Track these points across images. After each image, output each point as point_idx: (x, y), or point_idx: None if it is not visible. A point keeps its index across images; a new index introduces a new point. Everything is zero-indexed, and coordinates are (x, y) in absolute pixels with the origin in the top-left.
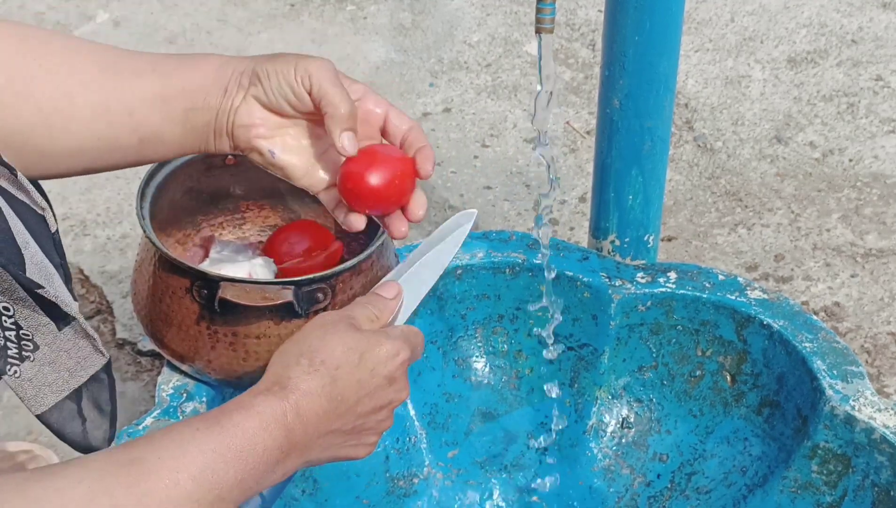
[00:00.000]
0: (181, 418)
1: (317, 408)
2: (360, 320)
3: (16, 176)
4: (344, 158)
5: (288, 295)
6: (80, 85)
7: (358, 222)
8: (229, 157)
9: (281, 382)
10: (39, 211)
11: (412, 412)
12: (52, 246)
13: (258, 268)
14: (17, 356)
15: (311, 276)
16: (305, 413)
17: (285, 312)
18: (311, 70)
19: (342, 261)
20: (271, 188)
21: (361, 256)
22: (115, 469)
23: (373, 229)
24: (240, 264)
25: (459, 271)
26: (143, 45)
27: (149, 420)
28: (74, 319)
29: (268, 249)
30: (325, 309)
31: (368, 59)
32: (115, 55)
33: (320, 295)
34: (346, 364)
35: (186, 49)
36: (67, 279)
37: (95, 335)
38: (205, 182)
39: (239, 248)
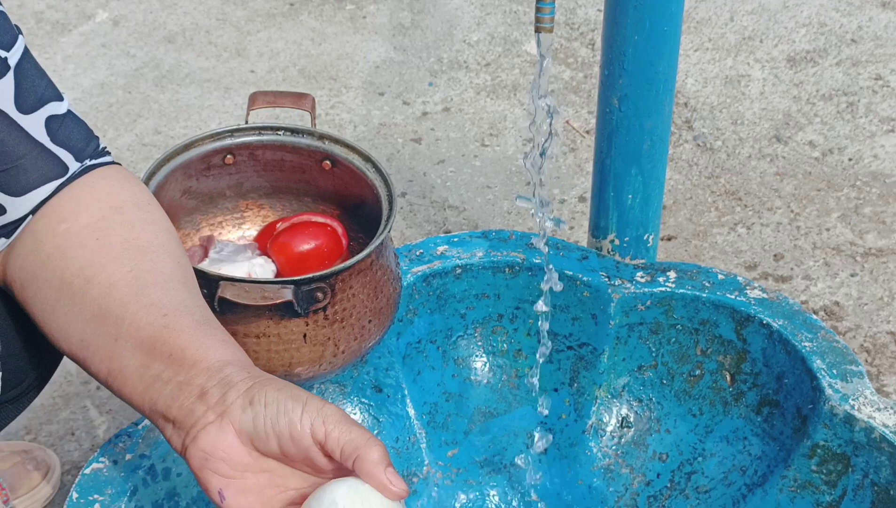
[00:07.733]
0: None
1: None
2: None
3: None
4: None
5: (287, 294)
6: (108, 285)
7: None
8: (228, 156)
9: None
10: None
11: (412, 412)
12: None
13: (257, 268)
14: None
15: (310, 275)
16: None
17: (285, 311)
18: (328, 414)
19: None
20: (271, 188)
21: (361, 255)
22: None
23: (373, 228)
24: (239, 264)
25: (459, 271)
26: (142, 44)
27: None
28: None
29: (273, 246)
30: (324, 308)
31: (368, 59)
32: (153, 276)
33: (320, 294)
34: None
35: (185, 48)
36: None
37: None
38: (204, 182)
39: (238, 248)
